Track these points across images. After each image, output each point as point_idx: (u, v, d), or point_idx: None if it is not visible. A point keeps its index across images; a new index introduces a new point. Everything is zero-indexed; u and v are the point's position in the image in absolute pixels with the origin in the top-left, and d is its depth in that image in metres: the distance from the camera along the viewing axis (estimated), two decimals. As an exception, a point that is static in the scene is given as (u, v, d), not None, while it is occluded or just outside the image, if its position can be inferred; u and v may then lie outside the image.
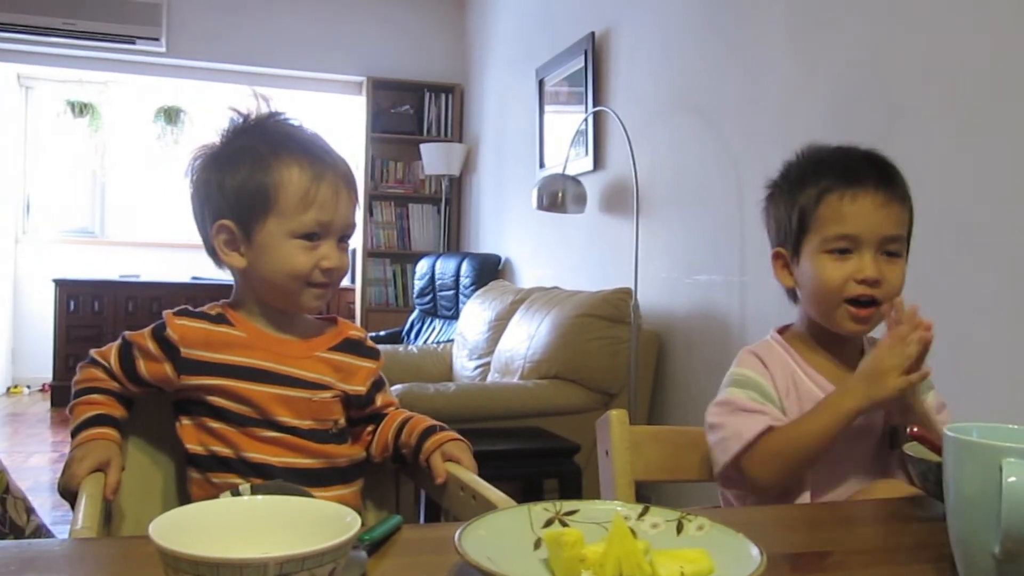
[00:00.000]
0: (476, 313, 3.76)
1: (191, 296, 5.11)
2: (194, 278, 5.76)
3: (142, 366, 1.10)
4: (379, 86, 5.35)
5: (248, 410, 1.07)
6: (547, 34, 4.07)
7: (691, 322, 2.82)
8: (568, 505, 0.71)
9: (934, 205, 1.70)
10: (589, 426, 1.37)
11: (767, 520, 0.90)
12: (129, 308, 5.57)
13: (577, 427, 2.60)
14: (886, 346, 1.07)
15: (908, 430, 0.91)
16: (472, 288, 4.21)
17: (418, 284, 4.76)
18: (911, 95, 1.91)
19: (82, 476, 0.99)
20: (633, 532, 0.65)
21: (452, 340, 4.02)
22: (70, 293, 5.48)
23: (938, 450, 0.82)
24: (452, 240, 5.46)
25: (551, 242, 4.03)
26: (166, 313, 1.12)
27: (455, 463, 1.09)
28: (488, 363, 3.45)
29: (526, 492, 2.36)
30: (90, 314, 5.51)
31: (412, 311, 4.89)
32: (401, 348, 4.14)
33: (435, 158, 5.08)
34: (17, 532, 1.18)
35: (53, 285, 5.49)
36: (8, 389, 5.98)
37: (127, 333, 1.13)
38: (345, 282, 5.23)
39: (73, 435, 1.07)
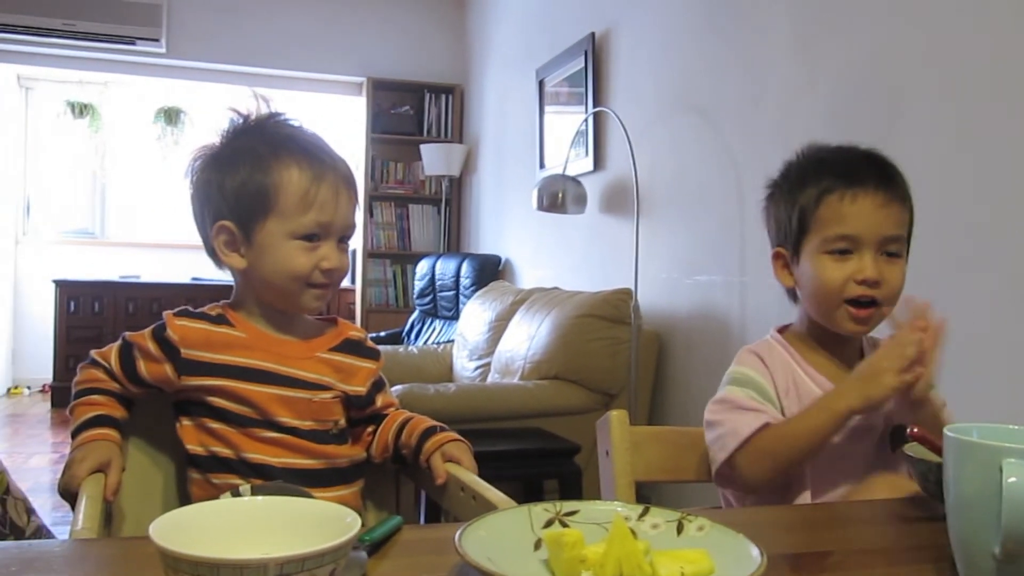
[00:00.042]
0: (476, 314, 3.76)
1: (191, 297, 5.11)
2: (194, 279, 5.76)
3: (142, 367, 1.10)
4: (379, 87, 5.35)
5: (248, 411, 1.07)
6: (547, 34, 4.07)
7: (691, 322, 2.82)
8: (568, 506, 0.71)
9: (934, 205, 1.70)
10: (589, 427, 1.37)
11: (767, 520, 0.90)
12: (129, 309, 5.57)
13: (577, 428, 2.60)
14: (884, 347, 1.07)
15: (908, 430, 0.91)
16: (472, 289, 4.21)
17: (418, 285, 4.76)
18: (911, 95, 1.91)
19: (82, 477, 0.99)
20: (633, 533, 0.65)
21: (452, 341, 4.02)
22: (70, 294, 5.49)
23: (938, 451, 0.82)
24: (452, 241, 5.46)
25: (551, 243, 4.03)
26: (166, 314, 1.12)
27: (455, 464, 1.09)
28: (488, 364, 3.45)
29: (526, 493, 2.36)
30: (90, 315, 5.51)
31: (412, 312, 4.89)
32: (401, 349, 4.14)
33: (435, 159, 5.09)
34: (17, 533, 1.18)
35: (53, 286, 5.49)
36: (8, 390, 5.98)
37: (127, 334, 1.13)
38: (345, 283, 5.23)
39: (73, 436, 1.07)
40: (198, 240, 1.13)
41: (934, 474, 0.84)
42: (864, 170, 1.13)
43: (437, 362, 3.91)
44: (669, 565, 0.61)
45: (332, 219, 1.08)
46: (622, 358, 2.83)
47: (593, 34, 3.53)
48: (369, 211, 5.32)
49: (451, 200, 5.43)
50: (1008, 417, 0.84)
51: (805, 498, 1.11)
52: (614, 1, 3.42)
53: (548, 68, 3.98)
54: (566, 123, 3.78)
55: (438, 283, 4.58)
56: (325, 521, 0.59)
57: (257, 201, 1.07)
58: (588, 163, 3.54)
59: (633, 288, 2.87)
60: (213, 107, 5.42)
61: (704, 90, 2.75)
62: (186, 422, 1.10)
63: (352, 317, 5.44)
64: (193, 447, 1.08)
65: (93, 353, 1.15)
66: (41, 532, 1.24)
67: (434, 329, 4.55)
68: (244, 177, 1.07)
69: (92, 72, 5.48)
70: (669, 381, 2.95)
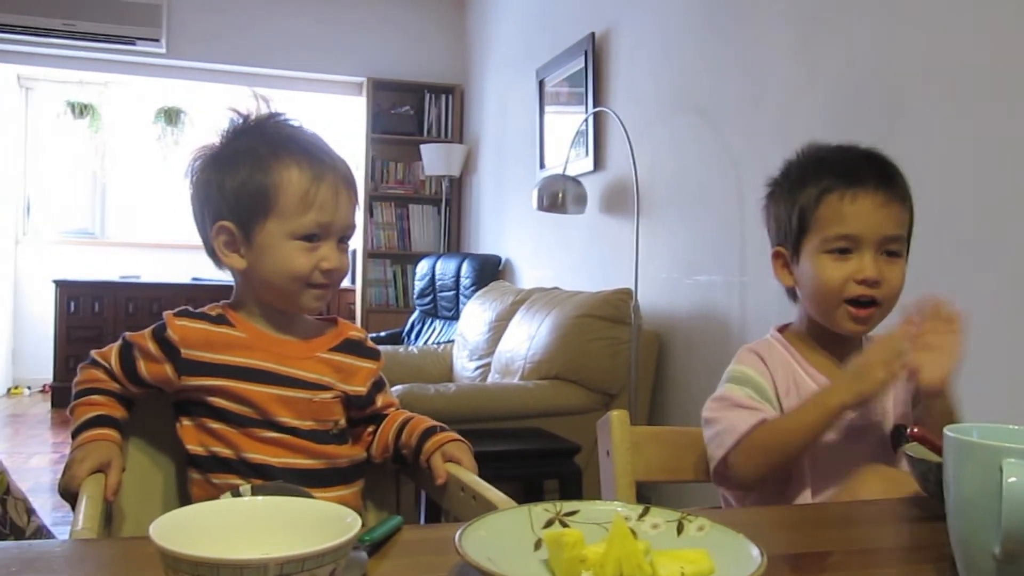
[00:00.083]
0: (476, 314, 3.76)
1: (191, 297, 5.10)
2: (194, 279, 5.76)
3: (142, 367, 1.10)
4: (379, 87, 5.35)
5: (248, 411, 1.07)
6: (547, 34, 4.07)
7: (691, 322, 2.82)
8: (568, 506, 0.71)
9: (934, 205, 1.70)
10: (590, 427, 1.37)
11: (767, 520, 0.90)
12: (129, 309, 5.57)
13: (577, 428, 2.60)
14: (874, 343, 1.08)
15: (908, 430, 0.91)
16: (472, 289, 4.21)
17: (418, 285, 4.76)
18: (911, 95, 1.91)
19: (83, 477, 0.99)
20: (633, 533, 0.65)
21: (452, 341, 4.02)
22: (70, 294, 5.49)
23: (938, 450, 0.82)
24: (452, 241, 5.46)
25: (551, 243, 4.03)
26: (166, 314, 1.12)
27: (455, 464, 1.09)
28: (488, 364, 3.45)
29: (526, 493, 2.36)
30: (90, 315, 5.51)
31: (412, 312, 4.89)
32: (401, 349, 4.14)
33: (435, 159, 5.09)
34: (17, 533, 1.18)
35: (53, 286, 5.49)
36: (8, 390, 5.99)
37: (127, 334, 1.13)
38: (345, 283, 5.23)
39: (74, 436, 1.07)
40: (198, 240, 1.13)
41: (934, 474, 0.84)
42: (864, 170, 1.13)
43: (437, 362, 3.91)
44: (669, 565, 0.61)
45: (332, 219, 1.08)
46: (622, 358, 2.83)
47: (593, 34, 3.53)
48: (369, 211, 5.32)
49: (451, 200, 5.43)
50: (1008, 417, 0.84)
51: (805, 497, 1.11)
52: (614, 1, 3.42)
53: (548, 68, 3.98)
54: (566, 123, 3.78)
55: (438, 283, 4.58)
56: (325, 521, 0.59)
57: (257, 201, 1.07)
58: (588, 163, 3.54)
59: (633, 288, 2.87)
60: (213, 107, 5.42)
61: (704, 90, 2.75)
62: (186, 422, 1.10)
63: (352, 317, 5.44)
64: (193, 447, 1.08)
65: (93, 353, 1.15)
66: (41, 532, 1.24)
67: (434, 329, 4.55)
68: (244, 177, 1.07)
69: (92, 72, 5.48)
70: (669, 381, 2.95)
